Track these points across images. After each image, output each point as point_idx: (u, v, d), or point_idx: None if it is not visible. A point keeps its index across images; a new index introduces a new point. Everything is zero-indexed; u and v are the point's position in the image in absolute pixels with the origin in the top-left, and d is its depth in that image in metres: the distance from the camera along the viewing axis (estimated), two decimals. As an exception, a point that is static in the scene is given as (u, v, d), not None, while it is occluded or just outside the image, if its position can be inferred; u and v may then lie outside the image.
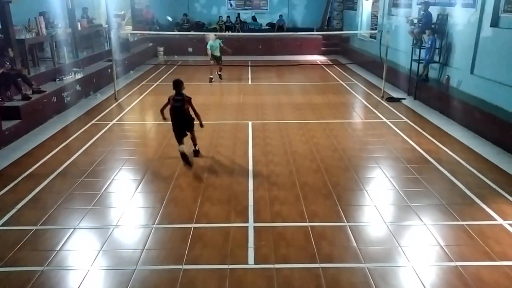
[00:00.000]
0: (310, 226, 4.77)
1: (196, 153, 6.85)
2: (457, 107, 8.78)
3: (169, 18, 19.91)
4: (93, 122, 8.79)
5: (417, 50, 10.72)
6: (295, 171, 6.29)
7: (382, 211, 5.12)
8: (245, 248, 4.35)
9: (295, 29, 20.44)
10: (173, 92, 6.49)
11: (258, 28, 20.52)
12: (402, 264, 4.12)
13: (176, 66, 15.79)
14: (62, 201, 5.33)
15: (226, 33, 18.35)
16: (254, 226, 4.78)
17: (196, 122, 6.65)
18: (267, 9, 21.03)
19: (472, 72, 8.95)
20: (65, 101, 9.77)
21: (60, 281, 3.88)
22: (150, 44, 18.20)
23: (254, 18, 20.80)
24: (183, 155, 6.59)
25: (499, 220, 4.89)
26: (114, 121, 8.89)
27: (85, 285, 3.83)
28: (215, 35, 13.30)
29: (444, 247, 4.37)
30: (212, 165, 6.59)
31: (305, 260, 4.17)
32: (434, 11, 10.36)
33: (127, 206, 5.27)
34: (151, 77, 13.82)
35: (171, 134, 6.86)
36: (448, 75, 9.92)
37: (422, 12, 10.50)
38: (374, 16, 16.10)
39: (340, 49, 18.91)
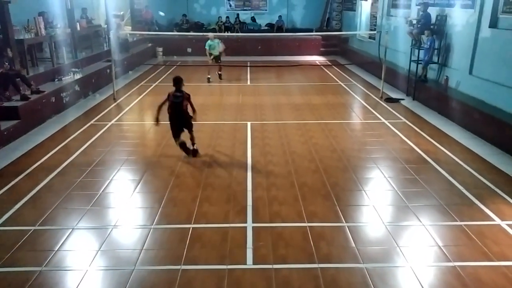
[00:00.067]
0: (309, 226, 4.78)
1: (195, 153, 6.85)
2: (455, 107, 8.79)
3: (162, 13, 19.81)
4: (92, 122, 8.78)
5: (416, 50, 10.73)
6: (294, 172, 6.30)
7: (381, 211, 5.12)
8: (243, 248, 4.35)
9: (294, 29, 20.47)
10: (173, 89, 6.53)
11: (257, 29, 20.54)
12: (401, 264, 4.12)
13: (175, 67, 15.78)
14: (61, 201, 5.33)
15: (226, 33, 18.36)
16: (253, 226, 4.78)
17: (196, 122, 6.67)
18: (266, 10, 21.05)
19: (470, 72, 8.97)
20: (64, 101, 9.76)
21: (58, 281, 3.88)
22: (149, 45, 18.21)
23: (253, 19, 20.81)
24: (182, 145, 6.63)
25: (497, 221, 4.90)
26: (113, 122, 8.89)
27: (83, 285, 3.83)
28: (214, 35, 13.32)
29: (442, 247, 4.38)
30: (211, 165, 6.59)
31: (304, 260, 4.17)
32: (433, 12, 10.38)
33: (126, 206, 5.27)
34: (150, 77, 13.82)
35: (169, 135, 6.86)
36: (446, 76, 9.94)
37: (421, 13, 10.52)
38: (373, 16, 16.11)
39: (339, 49, 18.92)
